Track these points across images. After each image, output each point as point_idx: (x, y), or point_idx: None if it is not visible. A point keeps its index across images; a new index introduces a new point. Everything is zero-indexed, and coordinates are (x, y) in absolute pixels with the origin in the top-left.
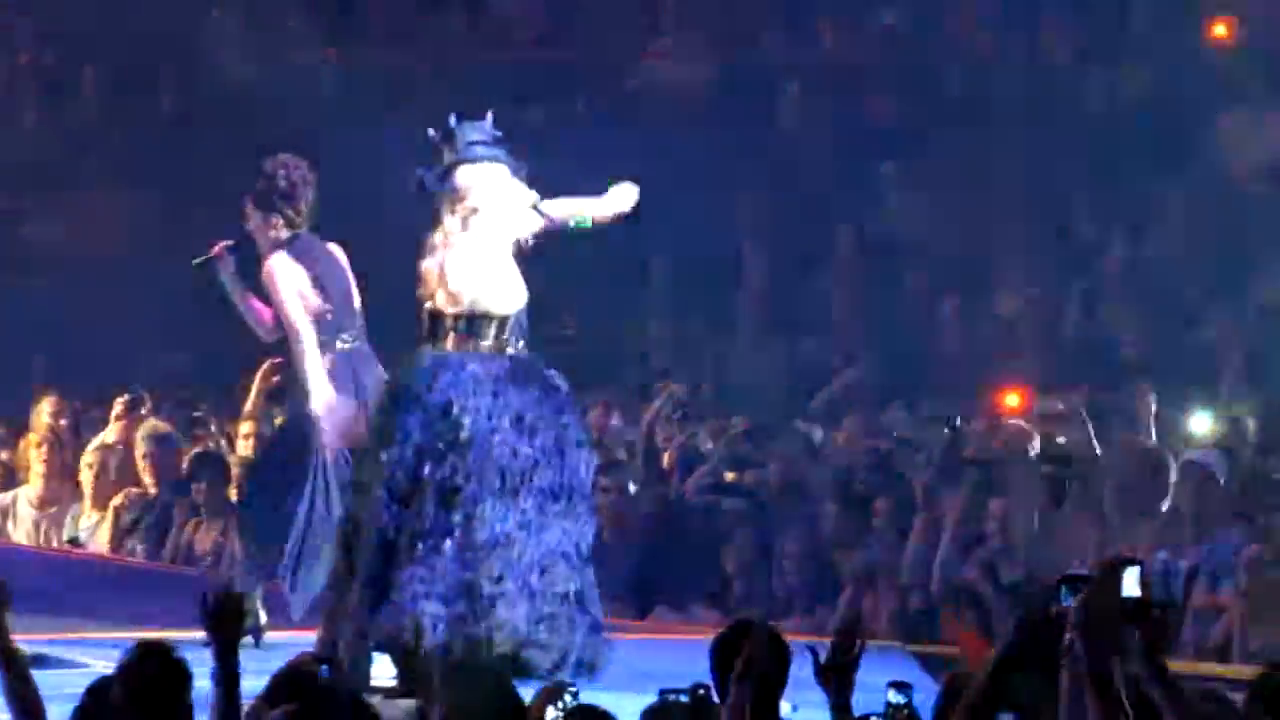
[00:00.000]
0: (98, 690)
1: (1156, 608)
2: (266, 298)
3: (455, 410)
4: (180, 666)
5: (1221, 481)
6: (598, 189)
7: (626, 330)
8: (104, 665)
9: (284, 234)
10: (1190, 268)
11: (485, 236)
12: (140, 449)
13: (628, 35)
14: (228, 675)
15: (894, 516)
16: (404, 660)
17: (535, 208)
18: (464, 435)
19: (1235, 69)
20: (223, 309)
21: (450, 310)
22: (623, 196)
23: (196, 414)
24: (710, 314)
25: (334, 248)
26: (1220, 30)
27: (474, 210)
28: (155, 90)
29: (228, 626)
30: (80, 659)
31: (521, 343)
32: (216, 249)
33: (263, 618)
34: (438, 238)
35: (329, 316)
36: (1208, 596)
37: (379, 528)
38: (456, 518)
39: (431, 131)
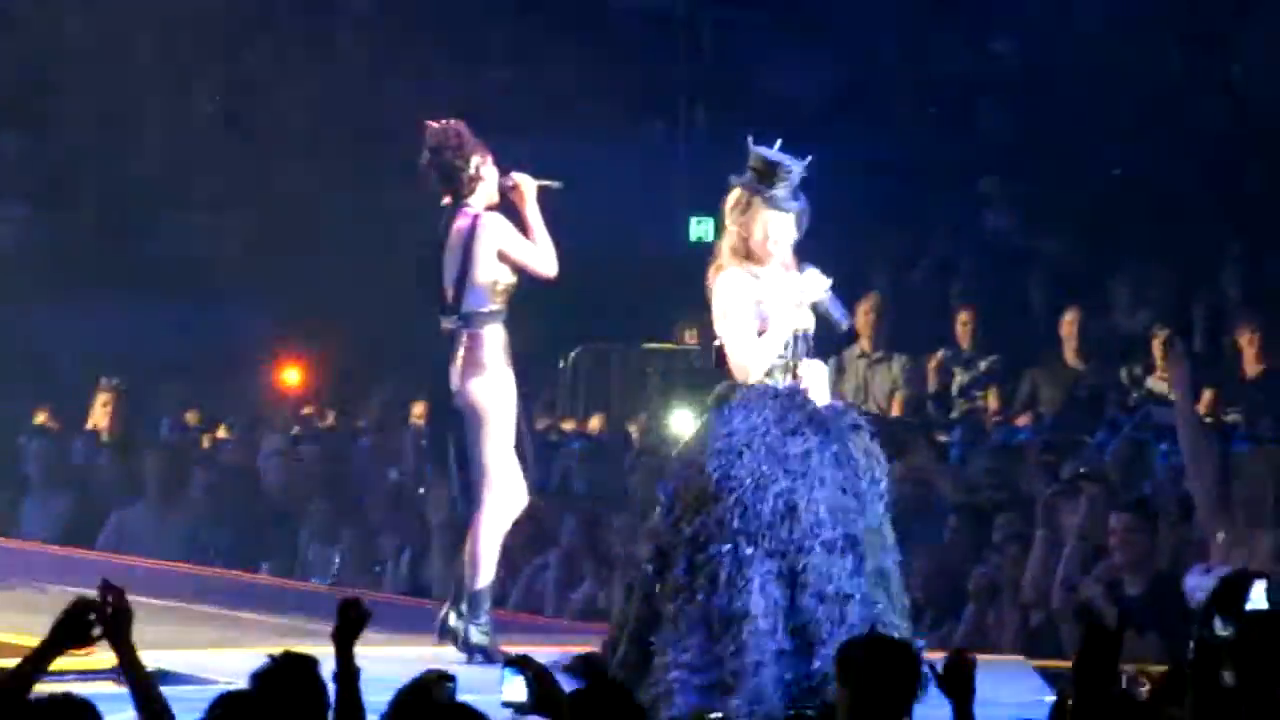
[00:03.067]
0: (224, 704)
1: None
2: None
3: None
4: (318, 677)
5: None
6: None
7: None
8: (226, 681)
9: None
10: None
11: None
12: None
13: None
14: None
15: (1015, 530)
16: (537, 680)
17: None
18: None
19: None
20: None
21: None
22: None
23: None
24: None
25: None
26: None
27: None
28: None
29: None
30: (203, 675)
31: None
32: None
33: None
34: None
35: None
36: None
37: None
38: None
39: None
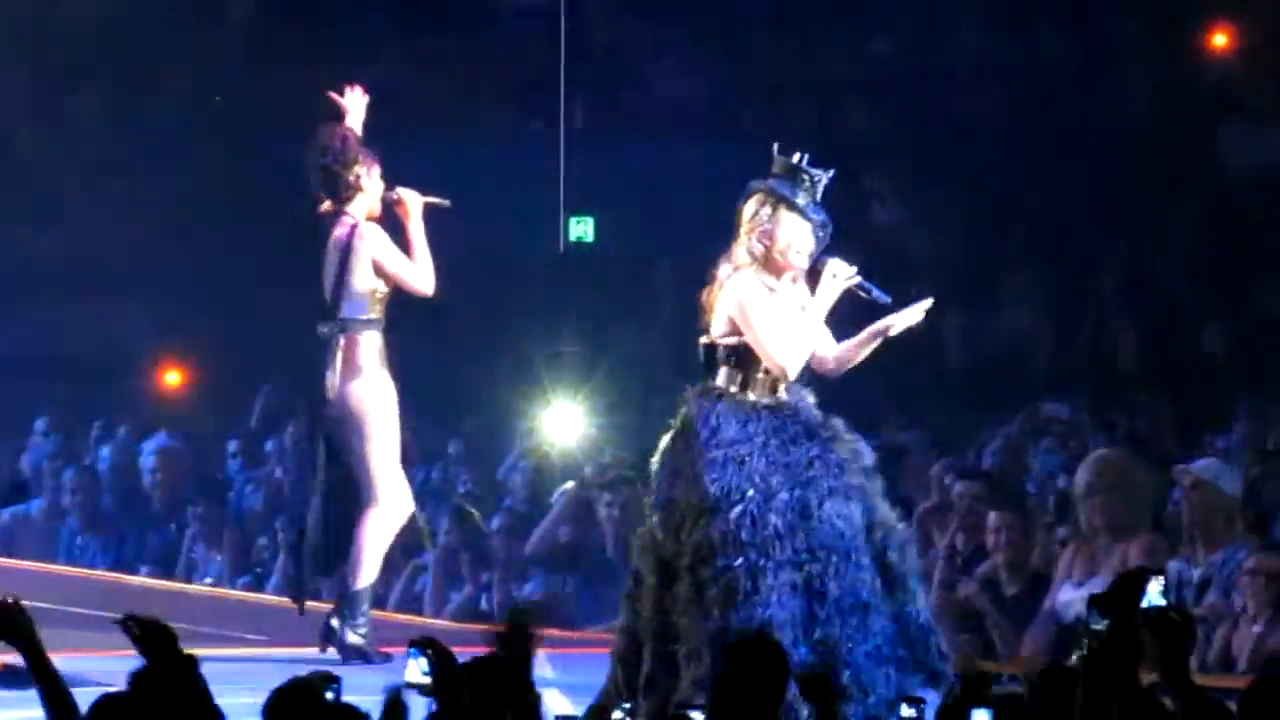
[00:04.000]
0: (103, 706)
1: (1178, 616)
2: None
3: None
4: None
5: (1228, 492)
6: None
7: None
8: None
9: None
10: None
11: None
12: None
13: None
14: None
15: None
16: (438, 660)
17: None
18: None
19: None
20: None
21: None
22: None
23: None
24: None
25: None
26: (1220, 40)
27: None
28: None
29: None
30: (82, 678)
31: None
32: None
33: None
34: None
35: None
36: (1212, 607)
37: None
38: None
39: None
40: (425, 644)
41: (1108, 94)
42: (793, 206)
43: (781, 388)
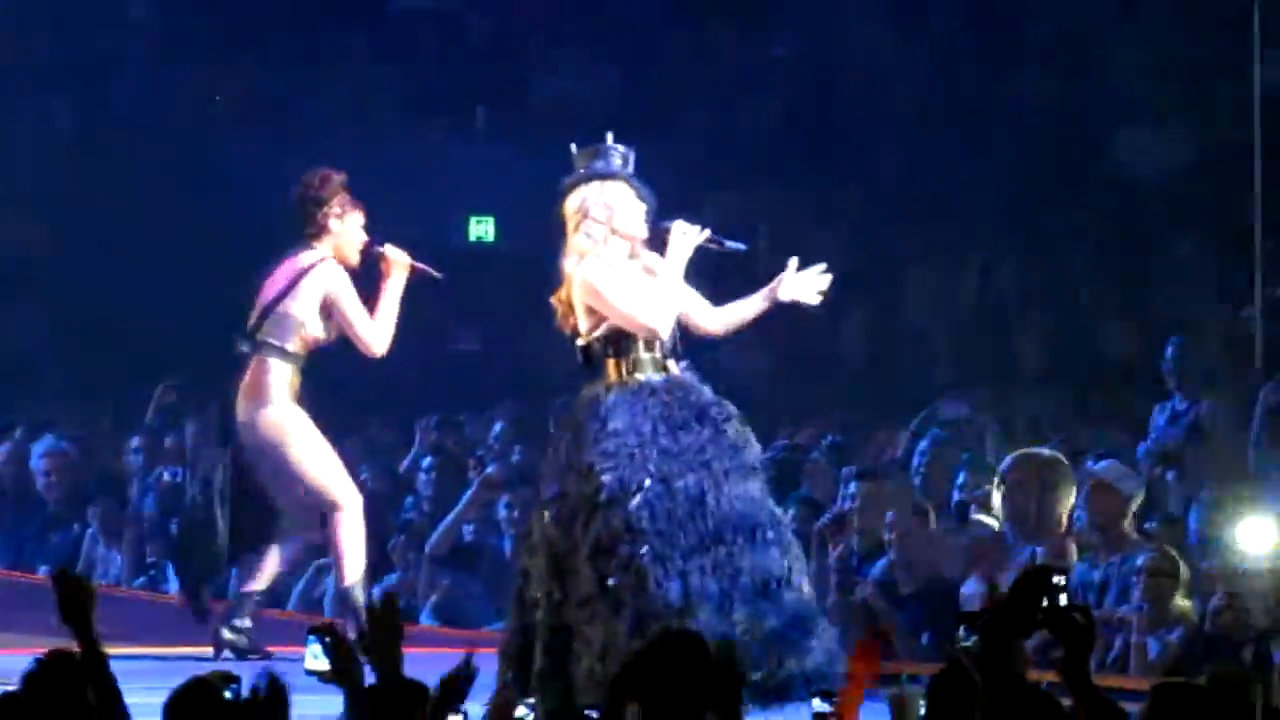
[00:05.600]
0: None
1: (1080, 615)
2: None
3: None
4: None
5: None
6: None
7: None
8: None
9: None
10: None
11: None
12: None
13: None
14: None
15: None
16: (334, 648)
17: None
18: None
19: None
20: None
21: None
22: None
23: None
24: None
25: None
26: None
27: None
28: None
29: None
30: None
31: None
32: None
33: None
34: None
35: None
36: (1112, 609)
37: None
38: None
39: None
40: (323, 630)
41: (1010, 93)
42: (608, 176)
43: (671, 363)
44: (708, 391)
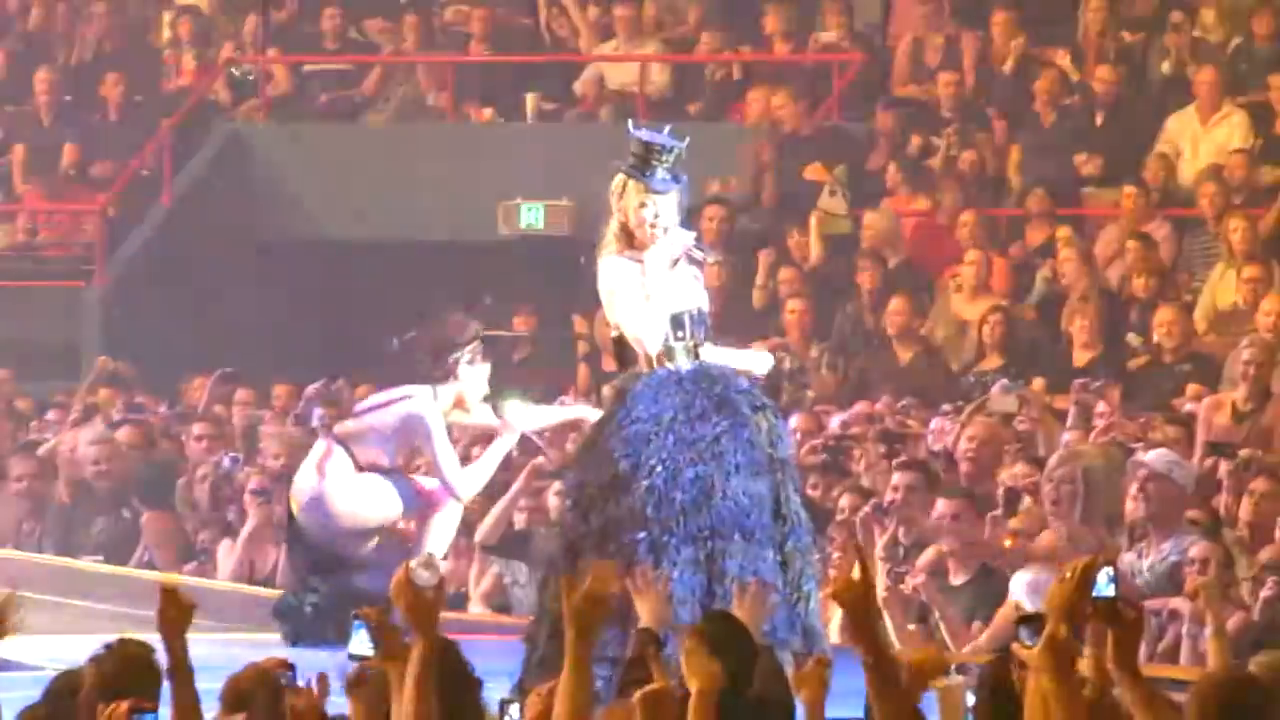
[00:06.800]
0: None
1: (1129, 607)
2: None
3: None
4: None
5: (1180, 484)
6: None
7: None
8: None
9: None
10: None
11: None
12: None
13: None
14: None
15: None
16: (379, 632)
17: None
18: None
19: None
20: None
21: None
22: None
23: None
24: None
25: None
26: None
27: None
28: None
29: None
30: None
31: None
32: None
33: None
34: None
35: None
36: (1164, 599)
37: None
38: None
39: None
40: (367, 615)
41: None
42: (646, 184)
43: (702, 351)
44: (741, 381)
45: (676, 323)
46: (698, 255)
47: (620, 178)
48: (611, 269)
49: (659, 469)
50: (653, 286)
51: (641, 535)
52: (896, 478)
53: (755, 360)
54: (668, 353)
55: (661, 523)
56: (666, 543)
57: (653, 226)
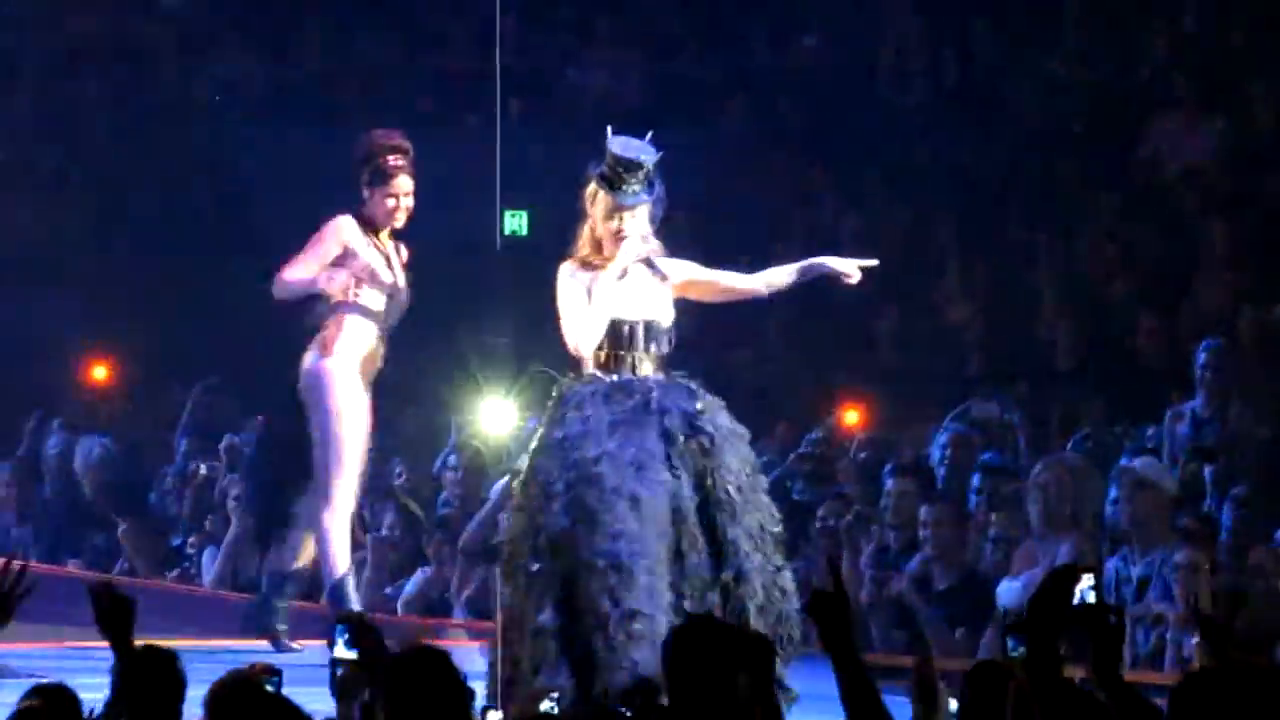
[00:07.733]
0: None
1: (1111, 614)
2: None
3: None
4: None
5: (1166, 491)
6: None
7: None
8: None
9: None
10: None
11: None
12: None
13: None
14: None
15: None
16: (358, 634)
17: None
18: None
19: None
20: None
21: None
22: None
23: None
24: None
25: None
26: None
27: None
28: None
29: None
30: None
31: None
32: None
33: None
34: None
35: None
36: (1149, 606)
37: None
38: None
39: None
40: (348, 619)
41: (1040, 86)
42: (616, 196)
43: (643, 366)
44: (681, 395)
45: (618, 333)
46: (658, 270)
47: (593, 186)
48: (559, 278)
49: (572, 475)
50: (596, 295)
51: (541, 539)
52: (888, 484)
53: None
54: (615, 360)
55: (579, 528)
56: (538, 573)
57: (621, 237)
